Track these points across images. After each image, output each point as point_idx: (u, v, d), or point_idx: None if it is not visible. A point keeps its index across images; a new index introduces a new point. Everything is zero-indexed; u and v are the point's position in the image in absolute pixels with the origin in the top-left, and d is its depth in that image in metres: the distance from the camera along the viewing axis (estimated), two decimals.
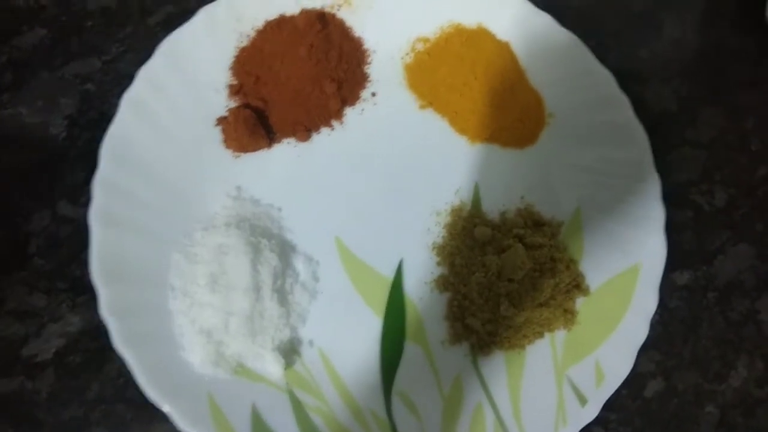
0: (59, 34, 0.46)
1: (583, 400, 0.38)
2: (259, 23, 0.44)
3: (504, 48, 0.45)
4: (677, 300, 0.43)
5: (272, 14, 0.44)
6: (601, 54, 0.43)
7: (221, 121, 0.43)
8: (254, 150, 0.43)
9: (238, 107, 0.43)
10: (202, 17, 0.43)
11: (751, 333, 0.43)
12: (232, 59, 0.44)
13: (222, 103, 0.43)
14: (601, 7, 0.48)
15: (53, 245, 0.42)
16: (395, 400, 0.39)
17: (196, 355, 0.38)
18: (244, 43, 0.44)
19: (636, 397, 0.41)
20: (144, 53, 0.42)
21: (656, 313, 0.39)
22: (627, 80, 0.43)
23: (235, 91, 0.43)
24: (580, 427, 0.38)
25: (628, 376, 0.38)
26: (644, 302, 0.39)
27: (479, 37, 0.45)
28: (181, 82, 0.42)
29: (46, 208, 0.43)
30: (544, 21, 0.44)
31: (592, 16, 0.48)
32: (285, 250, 0.41)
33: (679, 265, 0.43)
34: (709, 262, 0.44)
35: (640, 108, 0.43)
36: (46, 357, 0.40)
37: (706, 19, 0.49)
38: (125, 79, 0.42)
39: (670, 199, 0.41)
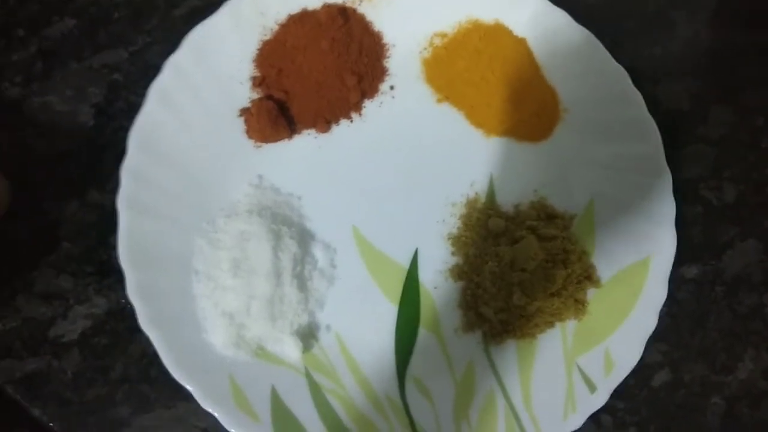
0: (88, 25, 0.47)
1: (592, 388, 0.39)
2: (282, 17, 0.45)
3: (521, 44, 0.45)
4: (686, 293, 0.44)
5: (295, 8, 0.45)
6: (616, 51, 0.44)
7: (244, 112, 0.44)
8: (276, 140, 0.44)
9: (260, 99, 0.44)
10: (227, 11, 0.44)
11: (757, 326, 0.44)
12: (256, 52, 0.45)
13: (245, 94, 0.44)
14: (616, 5, 0.49)
15: (81, 230, 0.43)
16: (409, 385, 0.40)
17: (218, 337, 0.39)
18: (268, 36, 0.45)
19: (643, 386, 0.42)
20: (170, 45, 0.43)
21: (665, 305, 0.40)
22: (640, 78, 0.44)
23: (258, 83, 0.44)
24: (589, 414, 0.39)
25: (635, 366, 0.39)
26: (654, 294, 0.40)
27: (496, 32, 0.45)
28: (206, 74, 0.43)
29: (74, 194, 0.44)
30: (561, 18, 0.45)
31: (608, 14, 0.49)
32: (304, 237, 0.42)
33: (688, 258, 0.44)
34: (717, 257, 0.45)
35: (652, 105, 0.43)
36: (72, 338, 0.42)
37: (719, 18, 0.49)
38: (151, 70, 0.43)
39: (680, 194, 0.42)
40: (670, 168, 0.42)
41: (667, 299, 0.40)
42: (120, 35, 0.47)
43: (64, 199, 0.44)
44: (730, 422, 0.42)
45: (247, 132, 0.44)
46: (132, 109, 0.43)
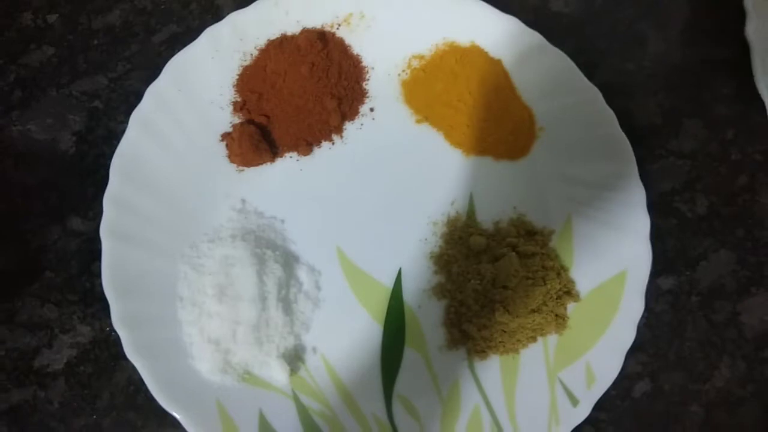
0: (66, 53, 0.47)
1: (574, 401, 0.40)
2: (262, 42, 0.46)
3: (496, 65, 0.46)
4: (662, 304, 0.45)
5: (274, 34, 0.46)
6: (589, 70, 0.45)
7: (226, 136, 0.44)
8: (258, 164, 0.44)
9: (242, 123, 0.44)
10: (206, 37, 0.44)
11: (732, 335, 0.45)
12: (236, 77, 0.45)
13: (227, 119, 0.45)
14: (588, 25, 0.50)
15: (64, 259, 0.43)
16: (396, 404, 0.41)
17: (204, 364, 0.39)
18: (248, 61, 0.45)
19: (624, 397, 0.43)
20: (150, 71, 0.44)
21: (643, 316, 0.41)
22: (614, 94, 0.45)
23: (239, 107, 0.45)
24: (572, 427, 0.40)
25: (616, 378, 0.40)
26: (631, 307, 0.41)
27: (473, 54, 0.46)
28: (187, 100, 0.44)
29: (56, 222, 0.44)
30: (535, 39, 0.45)
31: (581, 34, 0.50)
32: (289, 260, 0.43)
33: (663, 270, 0.45)
34: (692, 268, 0.46)
35: (626, 120, 0.44)
36: (57, 367, 0.42)
37: (689, 35, 0.51)
38: (132, 96, 0.43)
39: (654, 207, 0.43)
40: (643, 181, 0.43)
41: (644, 311, 0.41)
42: (99, 62, 0.47)
43: (45, 227, 0.44)
44: (709, 429, 0.43)
45: (229, 156, 0.44)
46: (113, 136, 0.43)
